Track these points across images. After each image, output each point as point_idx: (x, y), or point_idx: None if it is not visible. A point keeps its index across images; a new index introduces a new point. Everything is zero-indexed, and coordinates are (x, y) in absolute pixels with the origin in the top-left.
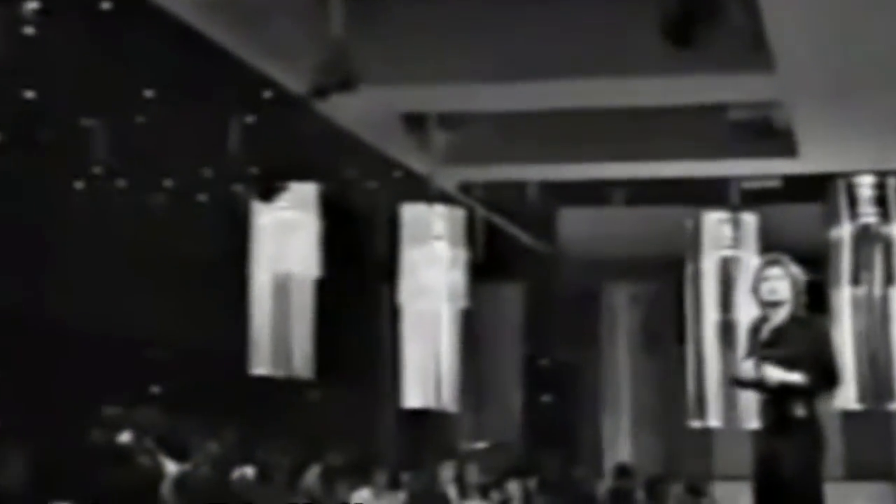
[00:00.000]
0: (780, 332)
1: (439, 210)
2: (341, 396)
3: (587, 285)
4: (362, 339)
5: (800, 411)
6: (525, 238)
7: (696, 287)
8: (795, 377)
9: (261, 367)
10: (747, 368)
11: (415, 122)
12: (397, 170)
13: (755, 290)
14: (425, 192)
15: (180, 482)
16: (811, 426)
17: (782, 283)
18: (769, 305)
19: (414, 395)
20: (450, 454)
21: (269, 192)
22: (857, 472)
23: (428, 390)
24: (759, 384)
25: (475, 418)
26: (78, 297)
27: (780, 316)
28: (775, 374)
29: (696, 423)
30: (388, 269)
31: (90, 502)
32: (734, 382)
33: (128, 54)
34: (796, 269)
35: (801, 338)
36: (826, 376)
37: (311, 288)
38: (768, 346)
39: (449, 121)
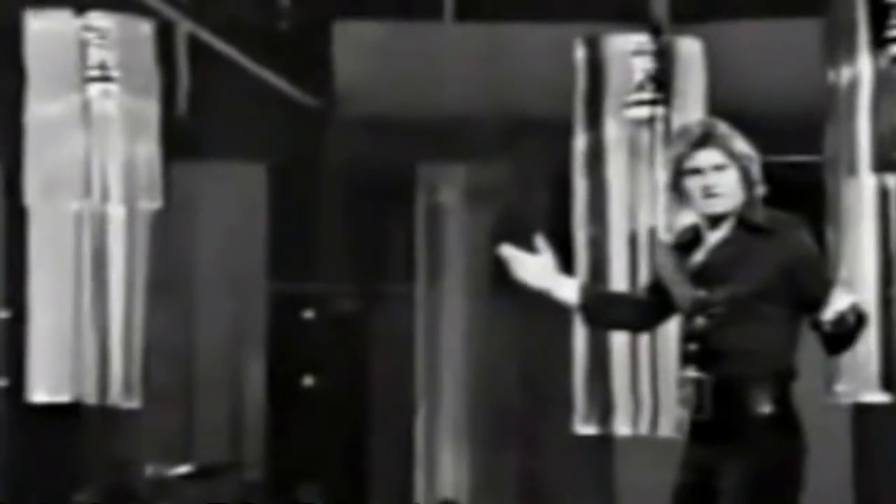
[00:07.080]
0: (722, 255)
1: (100, 23)
2: None
3: (387, 168)
4: None
5: (764, 405)
6: (273, 79)
7: (595, 173)
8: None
9: None
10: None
11: None
12: None
13: (674, 187)
14: None
15: None
16: (783, 432)
17: (724, 176)
18: (703, 216)
19: (48, 381)
20: (121, 488)
21: None
22: None
23: (78, 371)
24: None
25: (174, 421)
26: None
27: (721, 232)
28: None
29: (585, 429)
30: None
31: None
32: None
33: None
34: (742, 145)
35: (762, 259)
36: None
37: None
38: (703, 279)
39: None
